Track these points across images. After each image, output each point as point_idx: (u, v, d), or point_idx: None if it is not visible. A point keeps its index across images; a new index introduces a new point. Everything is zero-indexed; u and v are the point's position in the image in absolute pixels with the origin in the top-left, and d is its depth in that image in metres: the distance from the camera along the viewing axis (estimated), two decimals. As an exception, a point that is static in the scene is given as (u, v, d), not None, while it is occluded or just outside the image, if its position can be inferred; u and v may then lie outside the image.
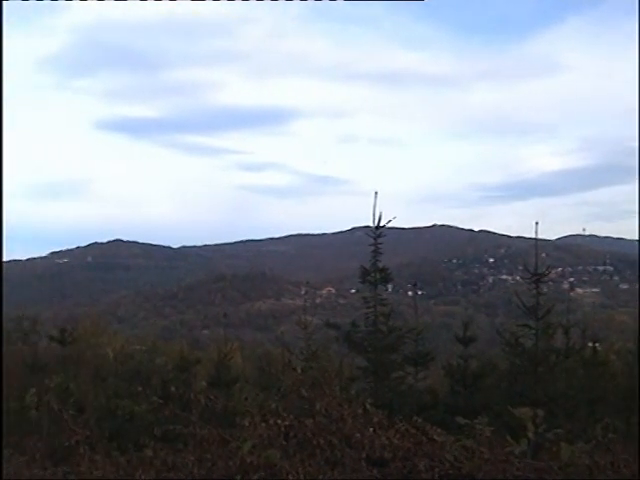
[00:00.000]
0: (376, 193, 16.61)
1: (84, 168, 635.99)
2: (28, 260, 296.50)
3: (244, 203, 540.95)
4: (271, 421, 7.36)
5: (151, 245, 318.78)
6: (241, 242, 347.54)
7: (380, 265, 17.09)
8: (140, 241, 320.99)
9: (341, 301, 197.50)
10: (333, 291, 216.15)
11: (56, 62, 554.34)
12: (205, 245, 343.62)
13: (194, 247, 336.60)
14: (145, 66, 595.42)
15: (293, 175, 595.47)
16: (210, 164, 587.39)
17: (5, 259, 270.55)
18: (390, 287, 21.65)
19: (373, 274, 17.06)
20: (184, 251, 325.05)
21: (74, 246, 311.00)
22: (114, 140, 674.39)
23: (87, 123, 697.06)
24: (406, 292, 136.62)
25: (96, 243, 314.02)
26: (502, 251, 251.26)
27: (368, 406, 7.69)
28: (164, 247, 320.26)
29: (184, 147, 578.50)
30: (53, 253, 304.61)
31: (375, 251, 17.11)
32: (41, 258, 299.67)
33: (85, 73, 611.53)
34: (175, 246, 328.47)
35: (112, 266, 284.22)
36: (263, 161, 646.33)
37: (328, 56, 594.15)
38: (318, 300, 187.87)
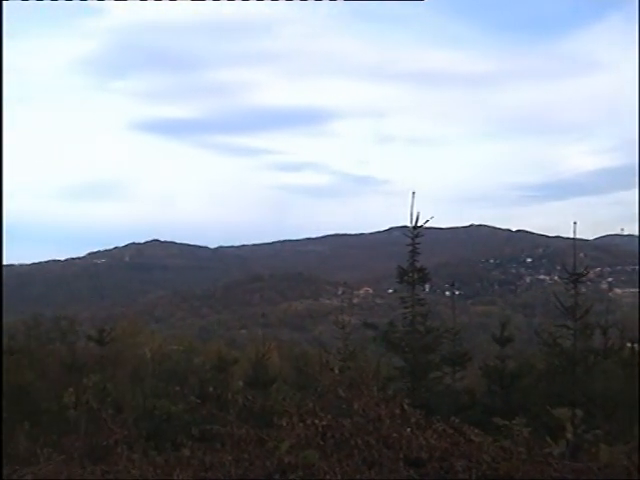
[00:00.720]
0: (413, 193, 16.54)
1: (122, 169, 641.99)
2: (66, 260, 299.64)
3: (282, 203, 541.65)
4: (309, 421, 7.37)
5: (188, 245, 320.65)
6: (278, 242, 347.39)
7: (417, 265, 17.01)
8: (177, 241, 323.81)
9: (378, 301, 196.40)
10: (370, 291, 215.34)
11: (94, 63, 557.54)
12: (242, 245, 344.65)
13: (231, 247, 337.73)
14: (182, 67, 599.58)
15: (331, 175, 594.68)
16: (248, 164, 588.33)
17: (44, 259, 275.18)
18: (427, 287, 21.53)
19: (410, 274, 16.99)
20: (221, 251, 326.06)
21: (112, 246, 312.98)
22: (151, 141, 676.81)
23: (124, 124, 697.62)
24: (443, 292, 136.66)
25: (133, 243, 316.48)
26: (540, 251, 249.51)
27: (405, 406, 7.68)
28: (201, 247, 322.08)
29: (222, 148, 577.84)
30: (91, 253, 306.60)
31: (412, 251, 17.02)
32: (79, 258, 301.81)
33: (122, 74, 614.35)
34: (212, 246, 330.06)
35: (149, 266, 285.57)
36: (301, 161, 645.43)
37: (366, 56, 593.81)
38: (355, 300, 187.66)
